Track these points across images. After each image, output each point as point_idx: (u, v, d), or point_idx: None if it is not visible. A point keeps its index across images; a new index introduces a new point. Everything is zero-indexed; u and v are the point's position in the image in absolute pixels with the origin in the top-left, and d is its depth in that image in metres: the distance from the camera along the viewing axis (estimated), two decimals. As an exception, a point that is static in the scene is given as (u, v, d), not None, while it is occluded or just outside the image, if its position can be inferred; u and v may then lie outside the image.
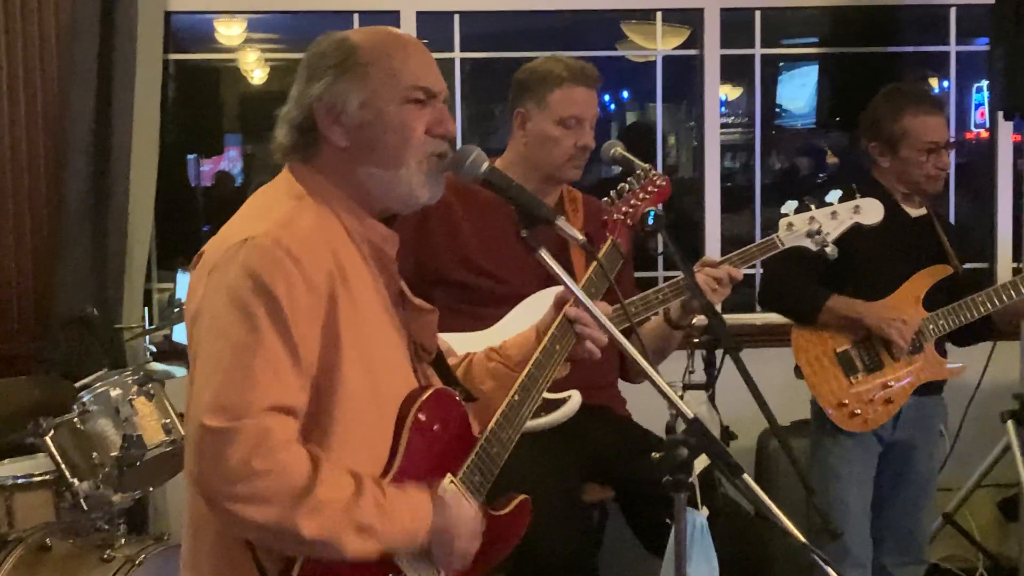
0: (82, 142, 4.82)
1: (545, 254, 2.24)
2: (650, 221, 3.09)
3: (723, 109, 5.77)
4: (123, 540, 3.71)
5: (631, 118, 9.83)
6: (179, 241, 5.73)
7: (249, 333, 1.99)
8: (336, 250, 2.12)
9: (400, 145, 2.18)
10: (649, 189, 3.13)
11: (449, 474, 2.23)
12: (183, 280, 4.95)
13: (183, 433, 3.76)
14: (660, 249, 4.45)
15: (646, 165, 3.22)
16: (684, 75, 5.79)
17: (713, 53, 5.38)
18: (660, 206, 3.15)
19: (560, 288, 2.83)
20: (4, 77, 4.91)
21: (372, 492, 2.06)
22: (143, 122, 4.85)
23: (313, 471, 2.00)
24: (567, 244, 3.12)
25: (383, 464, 2.14)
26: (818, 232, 3.31)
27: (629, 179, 3.15)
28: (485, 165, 2.28)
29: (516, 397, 2.35)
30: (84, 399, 3.76)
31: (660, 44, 5.59)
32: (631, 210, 3.09)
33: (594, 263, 2.80)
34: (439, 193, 2.26)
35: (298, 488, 1.98)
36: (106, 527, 3.76)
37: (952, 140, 3.96)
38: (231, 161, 9.95)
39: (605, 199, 3.17)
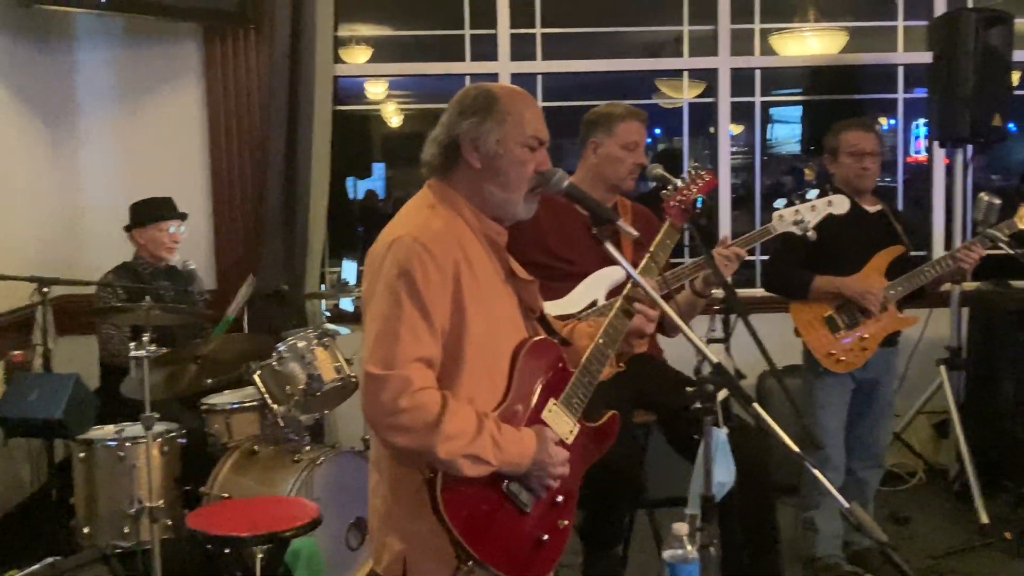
0: (277, 168, 4.87)
1: (609, 245, 2.22)
2: (698, 205, 3.05)
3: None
4: (308, 447, 3.76)
5: (660, 148, 9.77)
6: (342, 238, 5.78)
7: (395, 306, 1.99)
8: (461, 242, 2.11)
9: (516, 177, 2.16)
10: (698, 181, 3.09)
11: (552, 398, 2.20)
12: (347, 265, 5.01)
13: (350, 373, 3.87)
14: (688, 240, 4.38)
15: (677, 180, 3.17)
16: (700, 117, 5.74)
17: (725, 101, 5.31)
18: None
19: (614, 268, 2.81)
20: (222, 124, 4.97)
21: (489, 428, 2.04)
22: (319, 154, 4.87)
23: (443, 409, 1.99)
24: (620, 237, 3.09)
25: (501, 394, 2.11)
26: (801, 221, 3.26)
27: (681, 177, 3.10)
28: (567, 181, 2.27)
29: (601, 341, 2.31)
30: (280, 348, 3.80)
31: (686, 94, 5.52)
32: (684, 198, 3.06)
33: (655, 241, 2.77)
34: (533, 211, 2.25)
35: (431, 421, 1.97)
36: (295, 438, 3.81)
37: (876, 150, 3.84)
38: (376, 182, 10.01)
39: (663, 191, 3.13)
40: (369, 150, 7.43)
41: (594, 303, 3.16)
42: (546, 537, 2.16)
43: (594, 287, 3.20)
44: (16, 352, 4.34)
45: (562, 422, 2.19)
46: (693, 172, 3.08)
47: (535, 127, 2.17)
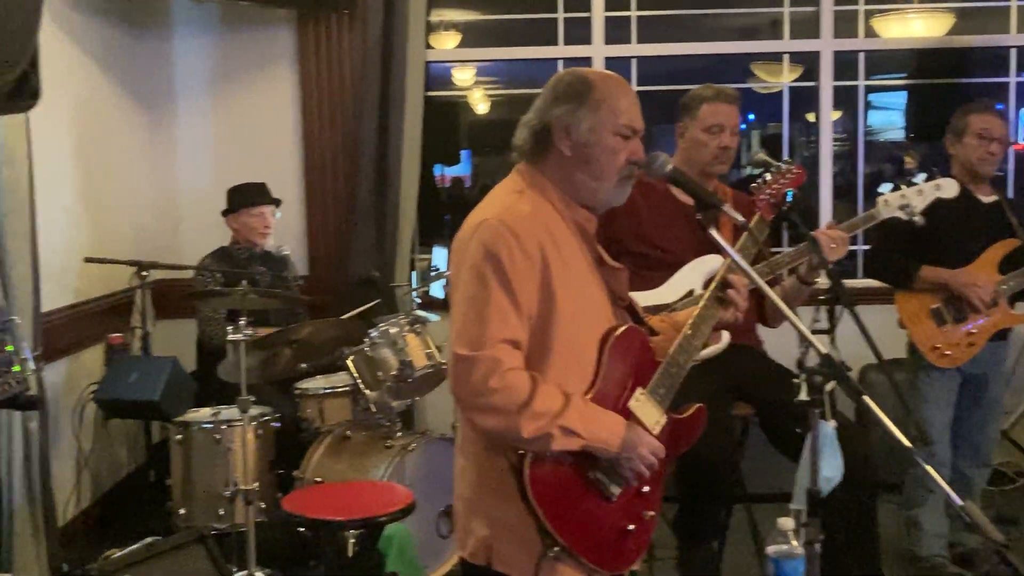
0: (369, 154, 4.89)
1: (715, 232, 2.19)
2: (788, 198, 3.01)
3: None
4: (399, 433, 3.79)
5: (754, 136, 9.61)
6: (430, 226, 5.80)
7: (482, 288, 2.01)
8: (549, 227, 2.11)
9: (607, 166, 2.16)
10: (787, 176, 3.04)
11: (639, 388, 2.19)
12: (438, 252, 5.04)
13: (441, 360, 3.86)
14: (788, 226, 4.32)
15: (781, 164, 3.13)
16: (794, 102, 5.63)
17: (827, 85, 5.19)
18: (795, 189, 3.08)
19: (712, 257, 2.78)
20: (315, 110, 5.03)
21: (577, 403, 2.05)
22: (410, 140, 4.89)
23: (532, 389, 2.00)
24: (719, 225, 3.05)
25: (589, 381, 2.11)
26: (907, 206, 3.17)
27: (771, 170, 3.06)
28: (670, 165, 2.25)
29: (689, 331, 2.30)
30: (372, 334, 3.83)
31: (786, 77, 5.42)
32: (774, 192, 3.01)
33: (744, 235, 2.73)
34: (623, 200, 2.24)
35: (521, 401, 1.99)
36: (387, 424, 3.84)
37: (1004, 137, 3.72)
38: (462, 169, 10.05)
39: (753, 185, 3.08)
40: (456, 137, 7.45)
41: (690, 293, 3.12)
42: (632, 527, 2.16)
43: (691, 276, 3.16)
44: (115, 335, 4.47)
45: (649, 412, 2.19)
46: (783, 168, 3.04)
47: (630, 116, 2.16)
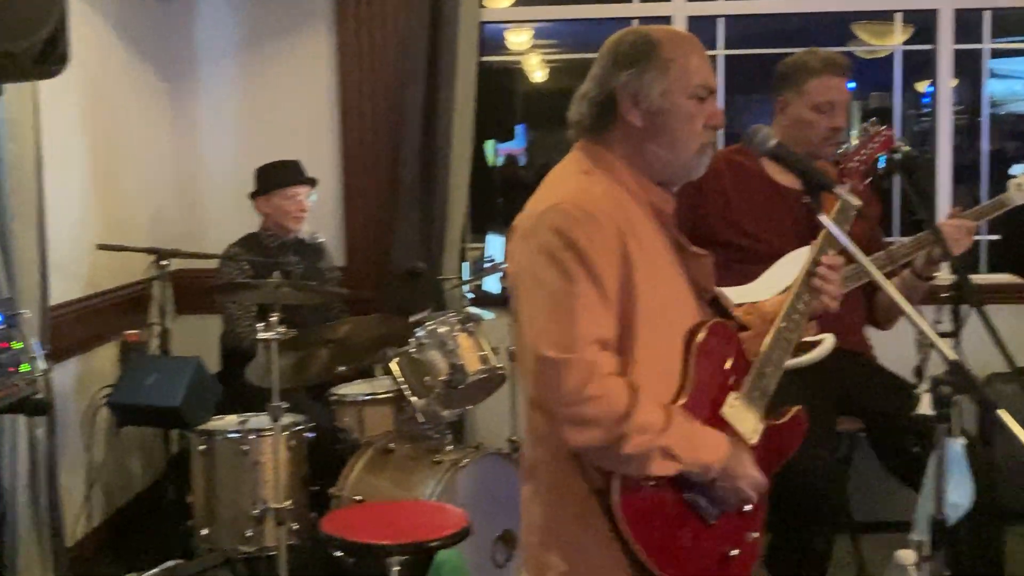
0: (415, 128, 4.87)
1: (825, 217, 2.17)
2: (880, 164, 2.95)
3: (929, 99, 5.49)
4: (449, 447, 3.78)
5: (856, 106, 9.48)
6: (482, 210, 5.78)
7: (566, 281, 2.00)
8: (624, 210, 2.11)
9: (685, 134, 2.15)
10: (876, 139, 2.98)
11: (732, 392, 2.18)
12: (492, 241, 5.02)
13: (496, 365, 3.89)
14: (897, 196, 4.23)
15: (866, 125, 3.07)
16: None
17: (946, 48, 5.08)
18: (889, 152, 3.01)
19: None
20: (355, 79, 5.02)
21: (679, 421, 2.03)
22: (461, 114, 4.87)
23: (632, 398, 1.99)
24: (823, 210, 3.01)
25: (677, 387, 2.10)
26: None
27: (853, 134, 3.01)
28: (773, 141, 2.24)
29: (783, 324, 2.27)
30: (419, 334, 3.83)
31: (899, 38, 5.33)
32: (862, 158, 2.96)
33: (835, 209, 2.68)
34: (702, 172, 2.22)
35: (621, 412, 1.97)
36: (435, 436, 3.83)
37: None
38: (516, 146, 10.02)
39: (839, 151, 3.03)
40: (510, 109, 7.43)
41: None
42: (734, 552, 2.15)
43: (791, 270, 3.10)
44: (131, 332, 4.51)
45: (745, 419, 2.17)
46: (868, 128, 2.99)
47: (703, 74, 2.16)
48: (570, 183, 2.13)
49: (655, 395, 2.06)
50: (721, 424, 2.14)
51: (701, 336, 2.13)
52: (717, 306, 2.30)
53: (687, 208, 3.04)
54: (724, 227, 3.28)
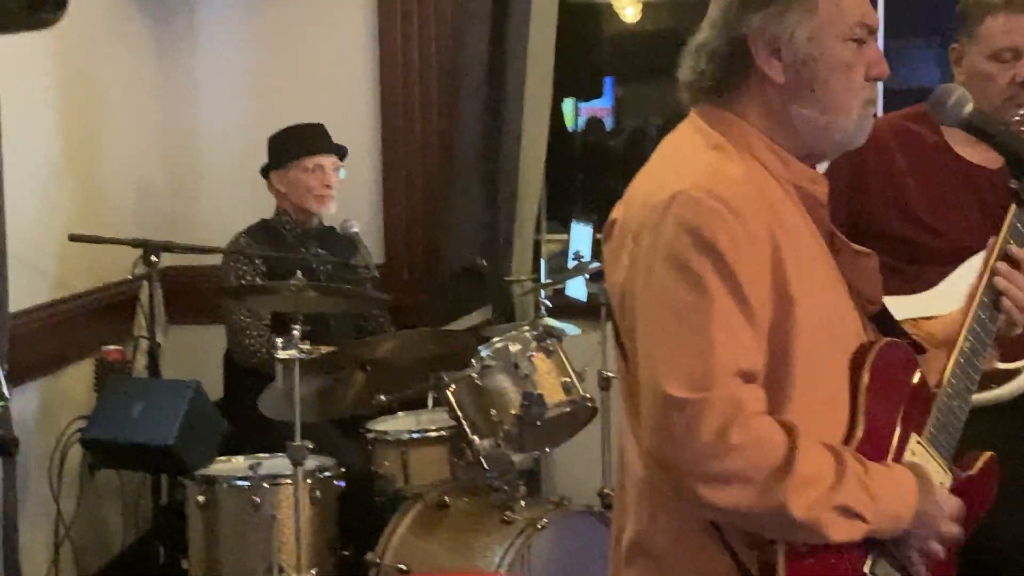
0: (475, 85, 4.87)
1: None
2: None
3: None
4: (523, 502, 3.75)
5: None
6: (561, 190, 5.77)
7: (699, 294, 1.95)
8: (769, 198, 2.06)
9: (844, 89, 2.10)
10: None
11: (914, 434, 2.16)
12: (578, 231, 4.98)
13: (584, 394, 3.89)
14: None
15: None
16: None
17: None
18: None
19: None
20: (397, 25, 5.02)
21: (854, 468, 1.99)
22: (537, 63, 4.87)
23: (791, 442, 1.95)
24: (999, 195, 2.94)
25: (845, 426, 2.08)
26: None
27: None
28: (969, 106, 2.22)
29: (966, 345, 2.24)
30: (483, 354, 3.81)
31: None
32: None
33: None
34: (863, 140, 2.18)
35: (778, 463, 1.93)
36: (505, 488, 3.79)
37: None
38: (602, 106, 9.96)
39: (1016, 118, 2.98)
40: (596, 59, 7.38)
41: (979, 302, 3.04)
42: None
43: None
44: (111, 347, 4.48)
45: (930, 469, 2.15)
46: None
47: (861, 10, 2.12)
48: (699, 161, 2.08)
49: (818, 437, 2.01)
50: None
51: (872, 360, 2.10)
52: (883, 320, 2.26)
53: (841, 192, 2.99)
54: (893, 218, 3.22)
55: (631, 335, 2.07)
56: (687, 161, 2.10)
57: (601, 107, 9.72)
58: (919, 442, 2.15)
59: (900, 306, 2.66)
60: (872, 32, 2.13)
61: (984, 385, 2.40)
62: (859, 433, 2.06)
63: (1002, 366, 2.88)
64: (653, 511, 2.11)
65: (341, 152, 4.60)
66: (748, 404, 1.94)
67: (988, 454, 2.29)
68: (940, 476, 2.17)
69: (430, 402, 4.25)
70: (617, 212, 2.15)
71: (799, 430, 1.97)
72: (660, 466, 2.00)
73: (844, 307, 2.15)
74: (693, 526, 2.04)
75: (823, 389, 2.06)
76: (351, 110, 5.06)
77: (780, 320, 2.01)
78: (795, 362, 2.02)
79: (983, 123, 2.23)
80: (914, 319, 2.49)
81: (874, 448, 2.08)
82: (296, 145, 4.53)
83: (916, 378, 2.19)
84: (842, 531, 1.97)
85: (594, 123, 9.78)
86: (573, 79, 6.53)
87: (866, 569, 2.05)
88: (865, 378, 2.08)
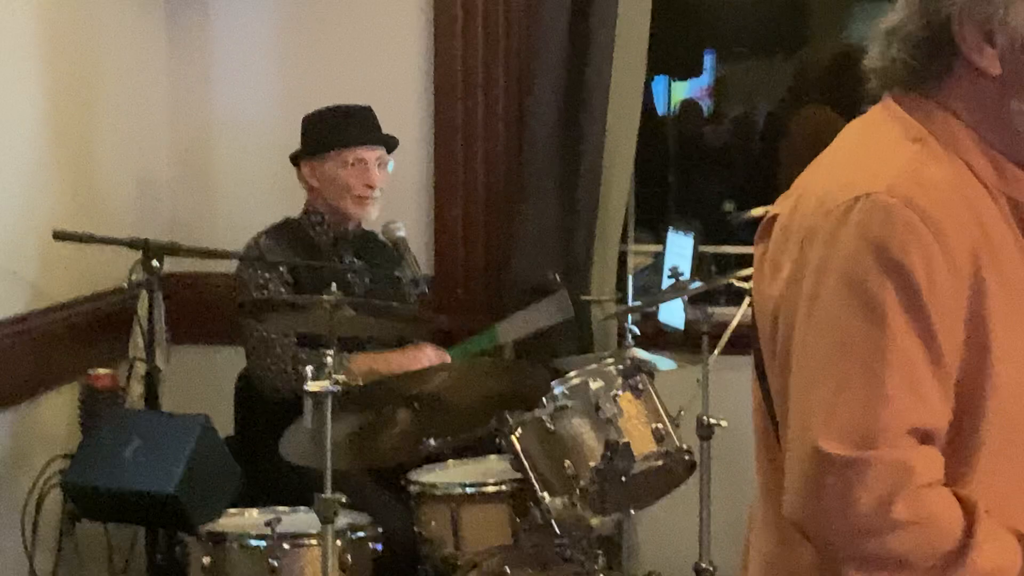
0: (550, 67, 4.92)
1: None
2: None
3: None
4: (601, 575, 3.79)
5: None
6: (653, 189, 5.78)
7: (876, 327, 1.91)
8: (976, 210, 2.01)
9: None
10: None
11: None
12: (675, 242, 4.92)
13: (682, 445, 3.94)
14: None
15: None
16: None
17: None
18: None
19: None
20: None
21: None
22: (627, 36, 4.90)
23: (968, 525, 1.92)
24: None
25: None
26: None
27: None
28: None
29: None
30: (556, 391, 3.86)
31: None
32: None
33: None
34: None
35: (950, 548, 1.91)
36: (580, 557, 3.82)
37: None
38: (699, 86, 9.95)
39: None
40: (694, 30, 7.37)
41: None
42: None
43: None
44: (100, 371, 4.48)
45: None
46: None
47: None
48: (896, 156, 2.05)
49: (1005, 521, 1.98)
50: None
51: None
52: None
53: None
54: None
55: (781, 366, 2.05)
56: (880, 155, 2.08)
57: (700, 88, 9.69)
58: None
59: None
60: None
61: None
62: None
63: None
64: None
65: (390, 143, 4.59)
66: (921, 471, 1.91)
67: None
68: None
69: (490, 449, 4.27)
70: (781, 207, 2.13)
71: (981, 510, 1.94)
72: (806, 529, 1.98)
73: None
74: None
75: (1019, 461, 2.03)
76: (397, 92, 5.11)
77: (973, 370, 1.97)
78: (986, 424, 1.98)
79: None
80: None
81: None
82: (335, 132, 4.54)
83: None
84: None
85: (690, 107, 9.69)
86: (666, 54, 6.51)
87: None
88: None
